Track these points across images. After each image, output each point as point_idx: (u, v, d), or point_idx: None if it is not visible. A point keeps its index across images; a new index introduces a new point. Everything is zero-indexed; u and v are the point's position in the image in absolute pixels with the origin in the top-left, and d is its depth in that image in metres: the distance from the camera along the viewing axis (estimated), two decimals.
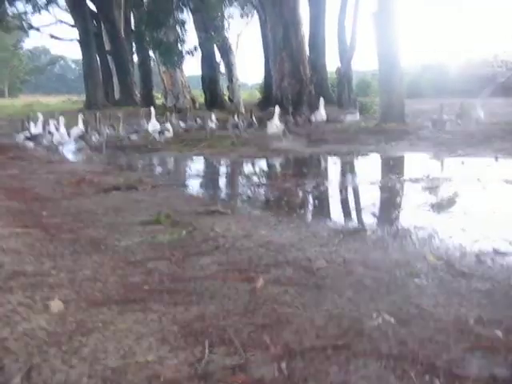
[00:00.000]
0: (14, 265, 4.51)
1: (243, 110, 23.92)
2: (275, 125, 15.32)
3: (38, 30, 42.49)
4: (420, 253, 4.69)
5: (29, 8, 38.18)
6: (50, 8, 38.86)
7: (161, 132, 15.73)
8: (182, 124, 18.10)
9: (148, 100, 33.83)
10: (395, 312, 3.39)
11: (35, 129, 15.38)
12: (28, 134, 14.89)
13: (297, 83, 24.38)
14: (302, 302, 3.61)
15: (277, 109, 15.82)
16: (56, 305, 3.60)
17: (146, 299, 3.70)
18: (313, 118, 17.67)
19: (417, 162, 11.06)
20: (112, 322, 3.35)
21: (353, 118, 18.36)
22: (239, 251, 4.83)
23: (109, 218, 6.41)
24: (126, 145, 15.26)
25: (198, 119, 19.06)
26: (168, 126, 16.24)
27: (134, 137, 15.99)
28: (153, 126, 16.17)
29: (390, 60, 17.56)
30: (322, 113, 17.59)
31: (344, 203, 7.77)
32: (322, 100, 18.04)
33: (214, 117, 17.97)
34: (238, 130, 16.11)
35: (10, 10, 38.23)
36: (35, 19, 39.42)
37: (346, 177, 9.90)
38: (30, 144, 14.66)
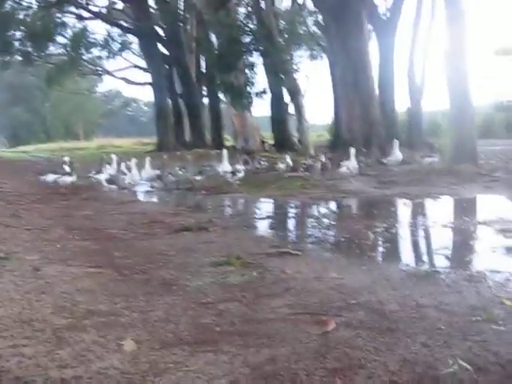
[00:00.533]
0: (88, 304, 4.58)
1: (312, 152, 23.98)
2: (351, 166, 15.33)
3: (112, 75, 43.84)
4: (496, 297, 4.56)
5: (104, 53, 39.51)
6: (123, 53, 40.18)
7: (233, 173, 15.88)
8: (249, 166, 18.29)
9: (218, 142, 34.30)
10: (472, 359, 3.29)
11: (110, 170, 15.79)
12: (108, 176, 15.29)
13: (366, 125, 24.30)
14: (374, 346, 3.55)
15: (352, 150, 15.86)
16: (129, 344, 3.63)
17: (217, 340, 3.71)
18: (384, 160, 17.61)
19: (490, 205, 10.84)
20: (184, 363, 3.35)
21: (431, 160, 18.03)
22: (310, 293, 4.79)
23: (180, 258, 6.47)
24: (196, 186, 15.44)
25: (262, 161, 19.29)
26: (239, 167, 16.42)
27: (198, 178, 16.19)
28: (225, 167, 16.36)
29: (461, 99, 17.36)
30: (396, 154, 17.52)
31: (416, 246, 7.66)
32: (396, 142, 18.03)
33: (288, 158, 18.16)
34: (308, 172, 16.16)
35: (87, 56, 39.61)
36: (109, 64, 40.73)
37: (418, 219, 9.77)
38: (112, 186, 15.01)
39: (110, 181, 15.16)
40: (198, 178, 16.22)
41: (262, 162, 20.51)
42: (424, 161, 18.05)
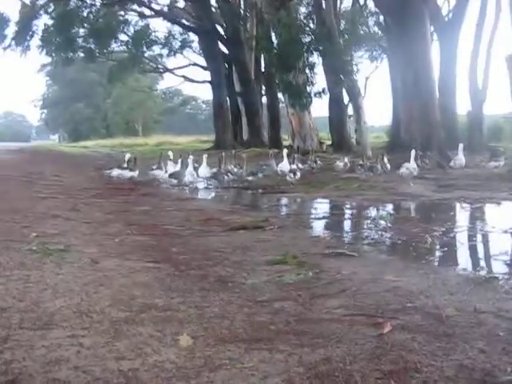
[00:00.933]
0: (145, 298, 4.65)
1: (370, 153, 23.82)
2: (411, 167, 15.21)
3: (172, 72, 44.32)
4: None
5: (164, 51, 39.98)
6: (184, 52, 40.59)
7: (292, 172, 15.90)
8: (306, 166, 18.31)
9: (275, 141, 34.38)
10: None
11: (170, 166, 16.04)
12: (169, 171, 15.54)
13: (426, 127, 24.02)
14: (430, 350, 3.51)
15: (413, 152, 15.74)
16: (185, 339, 3.67)
17: (272, 339, 3.72)
18: (451, 163, 17.43)
19: None
20: (239, 360, 3.38)
21: (497, 164, 17.65)
22: (366, 295, 4.77)
23: (236, 256, 6.51)
24: (253, 185, 15.50)
25: (319, 161, 19.30)
26: (297, 167, 16.45)
27: (255, 176, 16.26)
28: (283, 166, 16.40)
29: None
30: (460, 158, 17.34)
31: (474, 250, 7.55)
32: (461, 145, 17.94)
33: (346, 159, 18.13)
34: (367, 173, 16.09)
35: (148, 54, 40.16)
36: (170, 62, 41.25)
37: (477, 224, 9.61)
38: (173, 181, 15.24)
39: (172, 176, 15.39)
40: (255, 176, 16.29)
41: (319, 162, 20.49)
42: (488, 165, 17.72)
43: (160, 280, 5.29)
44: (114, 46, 40.60)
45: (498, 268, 6.09)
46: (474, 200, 11.77)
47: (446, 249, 7.48)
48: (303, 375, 3.17)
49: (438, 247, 7.54)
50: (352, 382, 3.07)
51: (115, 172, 16.42)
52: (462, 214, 11.08)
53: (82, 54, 39.37)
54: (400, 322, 4.03)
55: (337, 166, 18.41)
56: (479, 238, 8.23)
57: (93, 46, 37.92)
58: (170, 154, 17.17)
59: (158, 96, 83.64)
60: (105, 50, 39.30)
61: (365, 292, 4.87)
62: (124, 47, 40.29)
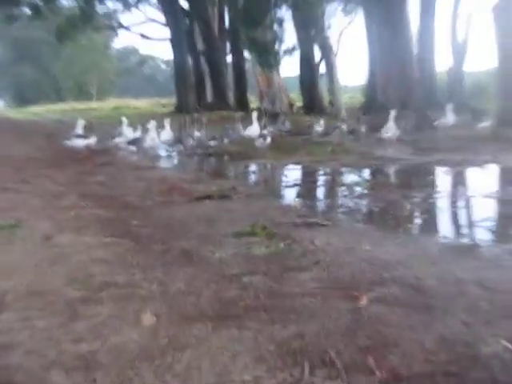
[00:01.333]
0: (103, 276, 4.66)
1: (344, 115, 23.89)
2: (390, 129, 15.28)
3: (127, 29, 43.73)
4: None
5: (119, 6, 39.41)
6: (140, 6, 40.04)
7: (262, 137, 15.86)
8: (275, 129, 18.34)
9: (242, 104, 34.24)
10: None
11: (129, 132, 15.96)
12: (128, 139, 15.45)
13: (403, 85, 24.09)
14: (409, 323, 3.58)
15: (392, 113, 15.81)
16: (148, 318, 3.70)
17: (241, 316, 3.76)
18: (435, 123, 17.57)
19: None
20: (206, 339, 3.42)
21: (483, 125, 17.72)
22: (341, 267, 4.82)
23: (201, 228, 6.52)
24: (218, 151, 15.48)
25: (289, 124, 19.32)
26: (266, 131, 16.44)
27: (220, 142, 16.26)
28: (252, 130, 16.37)
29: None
30: (449, 118, 17.49)
31: (455, 218, 7.62)
32: (450, 105, 18.06)
33: (322, 122, 18.19)
34: (348, 137, 16.18)
35: (100, 9, 39.52)
36: (125, 18, 40.67)
37: (458, 189, 9.71)
38: (133, 148, 15.17)
39: (131, 143, 15.31)
40: (218, 141, 16.27)
41: (290, 126, 20.52)
42: (474, 126, 17.83)
43: (119, 255, 5.31)
44: (64, 1, 39.94)
45: (481, 236, 6.17)
46: (455, 163, 11.86)
47: (425, 216, 7.56)
48: (274, 353, 3.21)
49: (417, 214, 7.62)
50: (327, 358, 3.12)
51: (70, 140, 16.28)
52: (443, 179, 11.17)
53: (27, 10, 38.57)
54: (377, 295, 4.09)
55: (315, 132, 18.40)
56: (460, 204, 8.30)
57: (39, 1, 37.16)
58: (124, 120, 17.00)
59: (113, 56, 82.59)
60: (52, 5, 38.52)
61: (339, 263, 4.92)
62: (74, 2, 39.60)
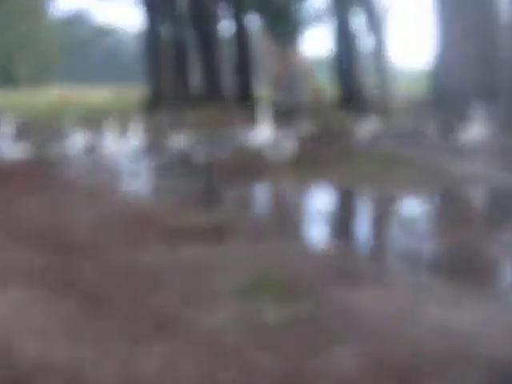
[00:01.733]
0: (34, 353, 4.57)
1: (401, 110, 23.97)
2: (472, 131, 15.33)
3: None
4: None
5: None
6: None
7: (275, 145, 15.87)
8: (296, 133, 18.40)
9: (245, 94, 34.16)
10: None
11: (80, 139, 16.09)
12: (78, 147, 15.60)
13: (489, 68, 24.08)
14: None
15: (474, 106, 15.86)
16: None
17: None
18: None
19: None
20: None
21: None
22: (394, 342, 4.74)
23: (184, 281, 6.49)
24: (212, 167, 15.51)
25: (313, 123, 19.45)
26: (286, 135, 16.48)
27: (200, 154, 16.29)
28: (262, 135, 16.41)
29: None
30: None
31: None
32: None
33: (367, 121, 18.28)
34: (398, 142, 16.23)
35: None
36: None
37: None
38: (84, 160, 15.28)
39: (83, 153, 15.44)
40: (213, 151, 16.31)
41: (317, 127, 20.56)
42: None
43: (61, 324, 5.23)
44: None
45: None
46: None
47: None
48: None
49: (509, 264, 7.58)
50: None
51: None
52: None
53: None
54: None
55: (356, 137, 18.42)
56: None
57: None
58: (73, 120, 17.14)
59: (54, 27, 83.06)
60: None
61: (392, 336, 4.84)
62: None
